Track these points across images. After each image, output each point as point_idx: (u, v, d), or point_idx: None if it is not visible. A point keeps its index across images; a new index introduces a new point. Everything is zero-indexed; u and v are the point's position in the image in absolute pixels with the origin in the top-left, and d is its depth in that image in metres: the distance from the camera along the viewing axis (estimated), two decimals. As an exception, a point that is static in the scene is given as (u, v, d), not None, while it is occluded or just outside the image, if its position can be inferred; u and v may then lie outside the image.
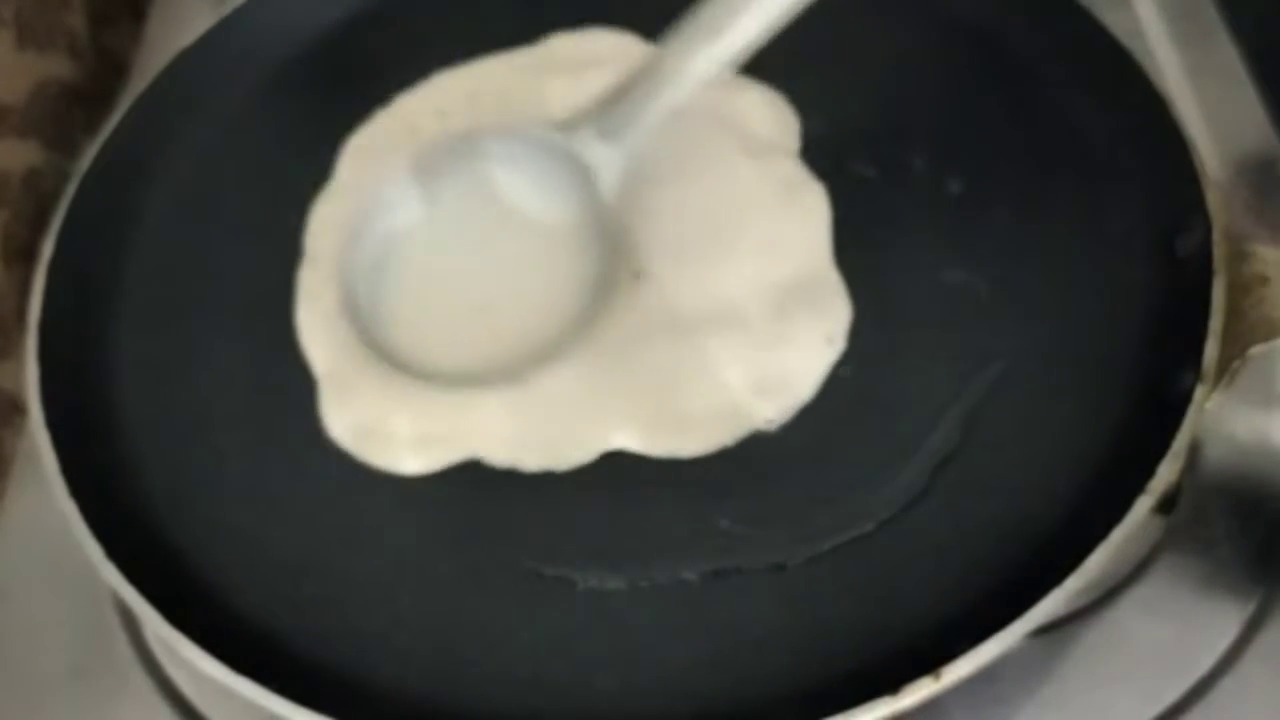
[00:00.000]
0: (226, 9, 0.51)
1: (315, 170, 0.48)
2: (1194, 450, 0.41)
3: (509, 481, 0.40)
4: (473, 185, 0.45)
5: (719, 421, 0.40)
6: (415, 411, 0.41)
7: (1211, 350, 0.36)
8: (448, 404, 0.41)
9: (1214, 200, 0.39)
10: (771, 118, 0.47)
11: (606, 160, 0.43)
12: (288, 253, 0.46)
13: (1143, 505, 0.34)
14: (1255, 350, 0.37)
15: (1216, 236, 0.39)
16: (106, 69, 0.60)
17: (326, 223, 0.46)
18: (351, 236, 0.44)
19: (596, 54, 0.50)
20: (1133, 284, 0.41)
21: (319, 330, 0.43)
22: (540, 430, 0.40)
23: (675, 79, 0.42)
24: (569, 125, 0.43)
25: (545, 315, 0.42)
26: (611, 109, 0.43)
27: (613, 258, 0.42)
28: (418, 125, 0.49)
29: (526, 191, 0.44)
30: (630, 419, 0.40)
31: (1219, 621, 0.39)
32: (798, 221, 0.44)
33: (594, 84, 0.48)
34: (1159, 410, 0.37)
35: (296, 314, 0.44)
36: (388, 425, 0.41)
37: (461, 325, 0.43)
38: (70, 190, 0.46)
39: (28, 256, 0.47)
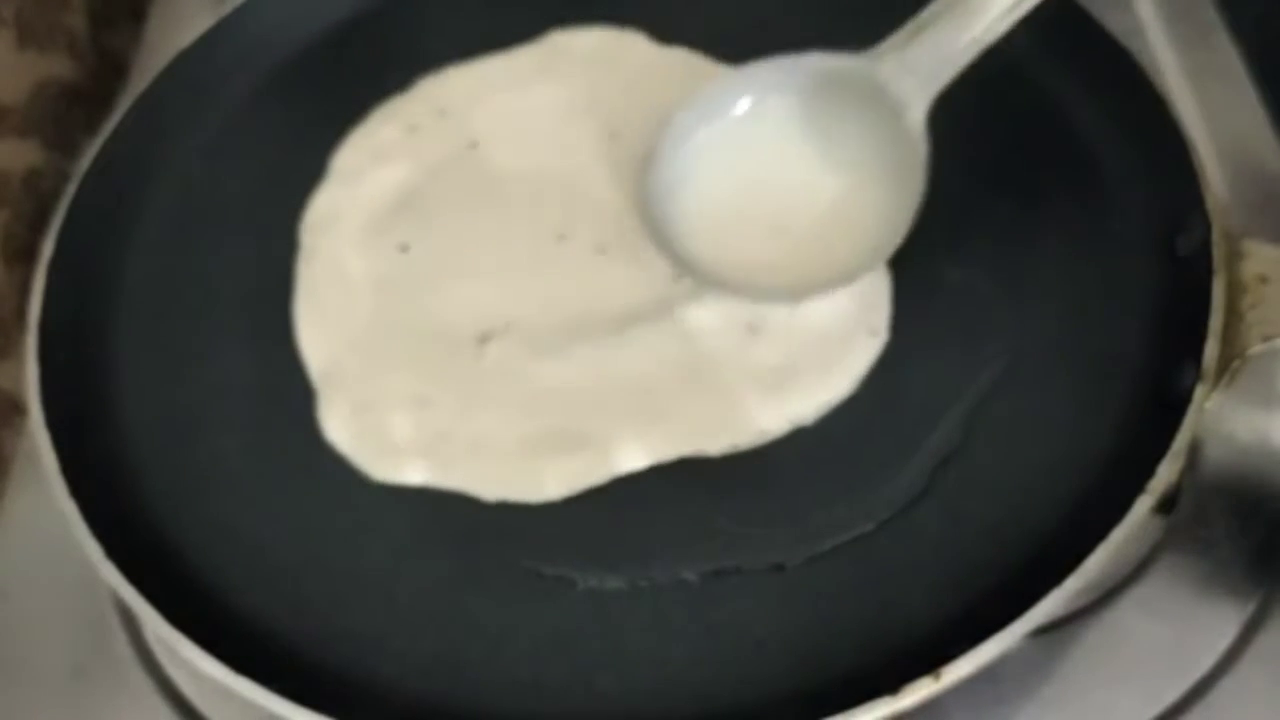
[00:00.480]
0: (226, 9, 0.51)
1: (315, 170, 0.48)
2: (1194, 450, 0.41)
3: (509, 481, 0.40)
4: (782, 109, 0.45)
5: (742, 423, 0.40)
6: (415, 425, 0.41)
7: (1211, 350, 0.36)
8: (447, 419, 0.41)
9: (1214, 200, 0.40)
10: None
11: (913, 91, 0.42)
12: (288, 252, 0.46)
13: (1143, 505, 0.34)
14: (1255, 350, 0.37)
15: (1216, 236, 0.39)
16: (106, 69, 0.60)
17: (318, 220, 0.46)
18: (651, 158, 0.44)
19: (597, 50, 0.50)
20: (1133, 284, 0.41)
21: (317, 331, 0.43)
22: (541, 450, 0.40)
23: (983, 12, 0.41)
24: (874, 57, 0.43)
25: (842, 242, 0.42)
26: (915, 42, 0.42)
27: (915, 189, 0.42)
28: (416, 124, 0.49)
29: (832, 120, 0.44)
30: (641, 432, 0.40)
31: (1219, 621, 0.39)
32: None
33: (593, 81, 0.48)
34: (1159, 410, 0.37)
35: (294, 314, 0.44)
36: (388, 436, 0.41)
37: (756, 241, 0.43)
38: (70, 190, 0.45)
39: (28, 256, 0.47)
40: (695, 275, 0.42)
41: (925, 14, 0.42)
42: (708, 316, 0.42)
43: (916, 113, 0.42)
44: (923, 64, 0.42)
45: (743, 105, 0.45)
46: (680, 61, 0.50)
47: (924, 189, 0.41)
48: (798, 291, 0.41)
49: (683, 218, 0.44)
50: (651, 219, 0.43)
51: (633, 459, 0.39)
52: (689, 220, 0.44)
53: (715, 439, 0.39)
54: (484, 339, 0.42)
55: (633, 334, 0.42)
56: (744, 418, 0.40)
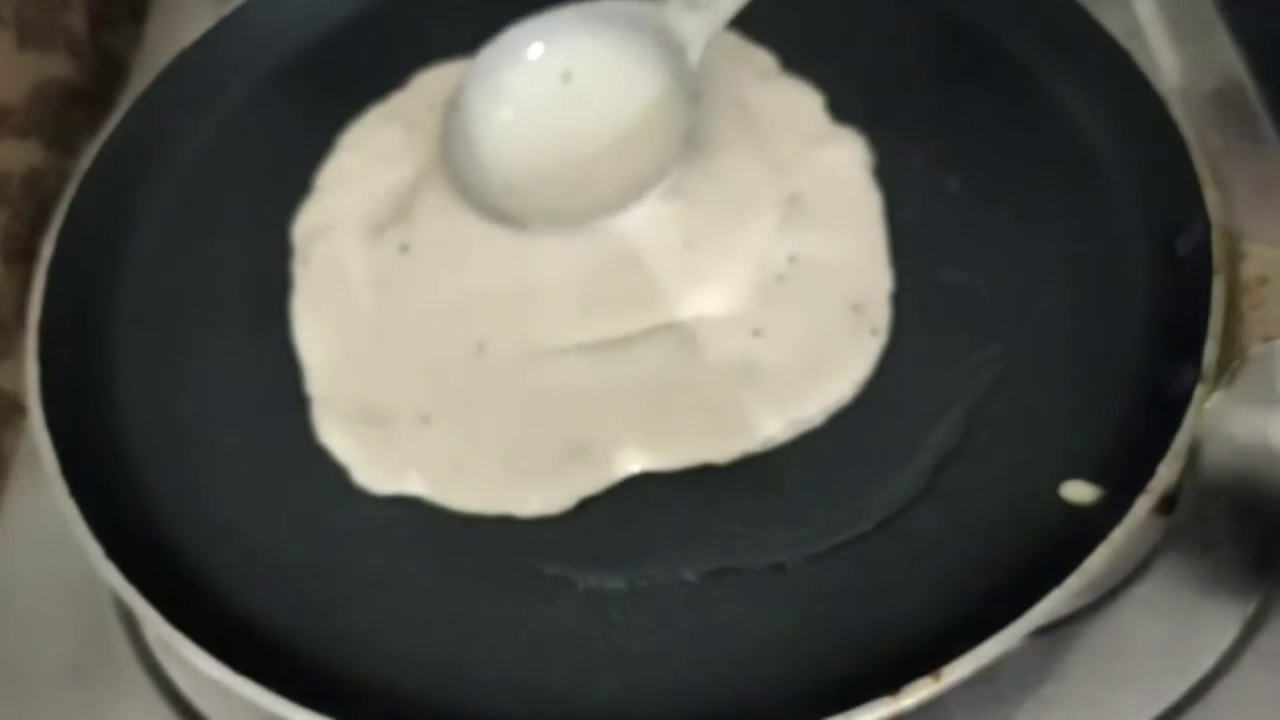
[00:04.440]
0: (226, 9, 0.51)
1: (315, 170, 0.48)
2: (1194, 450, 0.41)
3: (509, 481, 0.40)
4: (557, 59, 0.47)
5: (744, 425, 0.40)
6: (413, 437, 0.41)
7: (1211, 350, 0.36)
8: (446, 430, 0.41)
9: (1213, 200, 0.39)
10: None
11: (695, 29, 0.45)
12: (288, 252, 0.46)
13: (1143, 505, 0.34)
14: (1255, 350, 0.37)
15: (1215, 236, 0.39)
16: (106, 69, 0.60)
17: (315, 220, 0.46)
18: (452, 103, 0.47)
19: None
20: (1133, 284, 0.41)
21: (314, 336, 0.43)
22: (542, 461, 0.40)
23: None
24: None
25: (630, 170, 0.44)
26: None
27: (692, 118, 0.45)
28: (413, 120, 0.49)
29: (614, 65, 0.47)
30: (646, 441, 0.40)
31: (1219, 621, 0.39)
32: None
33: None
34: (1159, 410, 0.37)
35: (292, 314, 0.44)
36: (385, 447, 0.41)
37: (552, 181, 0.45)
38: (70, 190, 0.46)
39: (28, 256, 0.47)
40: (495, 216, 0.44)
41: None
42: (712, 320, 0.42)
43: (695, 52, 0.45)
44: (702, 2, 0.45)
45: (536, 50, 0.47)
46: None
47: (692, 120, 0.45)
48: (589, 213, 0.44)
49: (484, 161, 0.46)
50: (452, 166, 0.45)
51: (637, 469, 0.39)
52: (489, 163, 0.46)
53: (720, 447, 0.39)
54: (483, 345, 0.42)
55: (635, 339, 0.42)
56: (748, 424, 0.40)
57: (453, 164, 0.46)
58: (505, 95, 0.47)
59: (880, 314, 0.42)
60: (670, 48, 0.46)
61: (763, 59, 0.48)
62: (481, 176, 0.45)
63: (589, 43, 0.47)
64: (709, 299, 0.42)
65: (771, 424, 0.39)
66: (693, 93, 0.45)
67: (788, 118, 0.47)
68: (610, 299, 0.43)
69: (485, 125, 0.47)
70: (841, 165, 0.45)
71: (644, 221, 0.44)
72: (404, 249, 0.45)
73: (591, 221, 0.43)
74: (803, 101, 0.47)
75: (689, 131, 0.45)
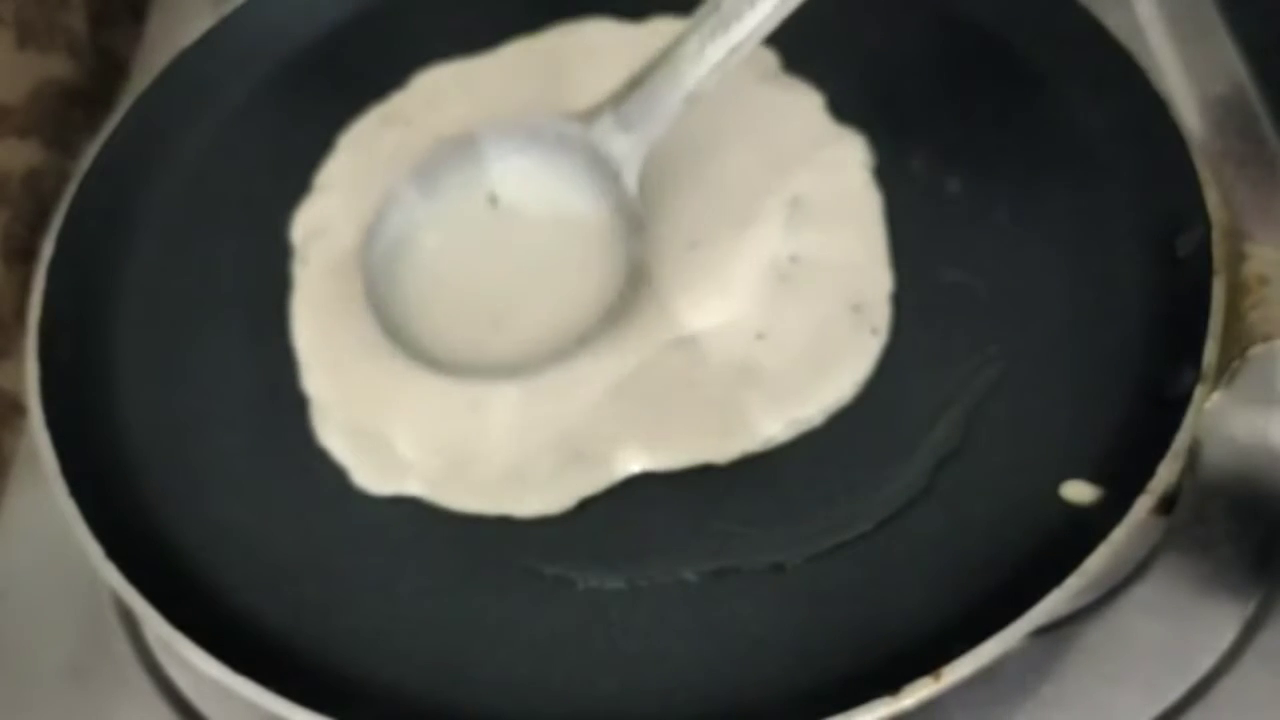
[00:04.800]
0: (226, 9, 0.51)
1: (315, 169, 0.48)
2: (1194, 450, 0.41)
3: (509, 481, 0.39)
4: (485, 180, 0.44)
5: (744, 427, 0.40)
6: (413, 440, 0.40)
7: (1211, 350, 0.36)
8: (446, 431, 0.41)
9: (1214, 200, 0.39)
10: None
11: (628, 151, 0.42)
12: (288, 252, 0.46)
13: (1143, 505, 0.34)
14: (1255, 350, 0.37)
15: (1216, 236, 0.39)
16: (106, 69, 0.60)
17: (314, 220, 0.46)
18: (367, 237, 0.43)
19: (591, 45, 0.50)
20: (1133, 284, 0.41)
21: (313, 338, 0.43)
22: (542, 462, 0.40)
23: (693, 66, 0.41)
24: (587, 117, 0.43)
25: (567, 313, 0.41)
26: (629, 98, 0.42)
27: (636, 251, 0.42)
28: (411, 119, 0.49)
29: (545, 186, 0.44)
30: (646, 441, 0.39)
31: (1219, 621, 0.39)
32: None
33: (587, 74, 0.48)
34: (1159, 410, 0.37)
35: (291, 314, 0.44)
36: (385, 450, 0.40)
37: (480, 323, 0.42)
38: (70, 190, 0.46)
39: (28, 256, 0.47)
40: (416, 358, 0.41)
41: (640, 69, 0.43)
42: (713, 321, 0.42)
43: (630, 175, 0.42)
44: (634, 120, 0.42)
45: (458, 167, 0.44)
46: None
47: (641, 254, 0.41)
48: (518, 372, 0.41)
49: (403, 298, 0.42)
50: (372, 298, 0.42)
51: (637, 469, 0.39)
52: (408, 302, 0.42)
53: (721, 448, 0.39)
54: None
55: (638, 342, 0.42)
56: (749, 424, 0.40)
57: (375, 301, 0.42)
58: (430, 220, 0.44)
59: (880, 314, 0.42)
60: (603, 171, 0.43)
61: (764, 58, 0.48)
62: (407, 312, 0.42)
63: (516, 160, 0.44)
64: (711, 300, 0.42)
65: (772, 424, 0.39)
66: (632, 221, 0.42)
67: (788, 118, 0.47)
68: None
69: (410, 253, 0.43)
70: (842, 165, 0.45)
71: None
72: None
73: (526, 372, 0.40)
74: (803, 101, 0.47)
75: (635, 267, 0.41)
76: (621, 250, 0.42)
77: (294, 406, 0.42)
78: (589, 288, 0.42)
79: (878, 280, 0.42)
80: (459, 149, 0.45)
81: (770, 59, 0.49)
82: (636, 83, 0.42)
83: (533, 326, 0.42)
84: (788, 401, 0.40)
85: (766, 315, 0.42)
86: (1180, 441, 0.35)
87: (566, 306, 0.42)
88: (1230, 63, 0.53)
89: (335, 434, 0.41)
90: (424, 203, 0.44)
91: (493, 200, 0.44)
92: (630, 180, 0.42)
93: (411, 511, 0.39)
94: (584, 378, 0.41)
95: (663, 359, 0.41)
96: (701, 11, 0.42)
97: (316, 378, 0.42)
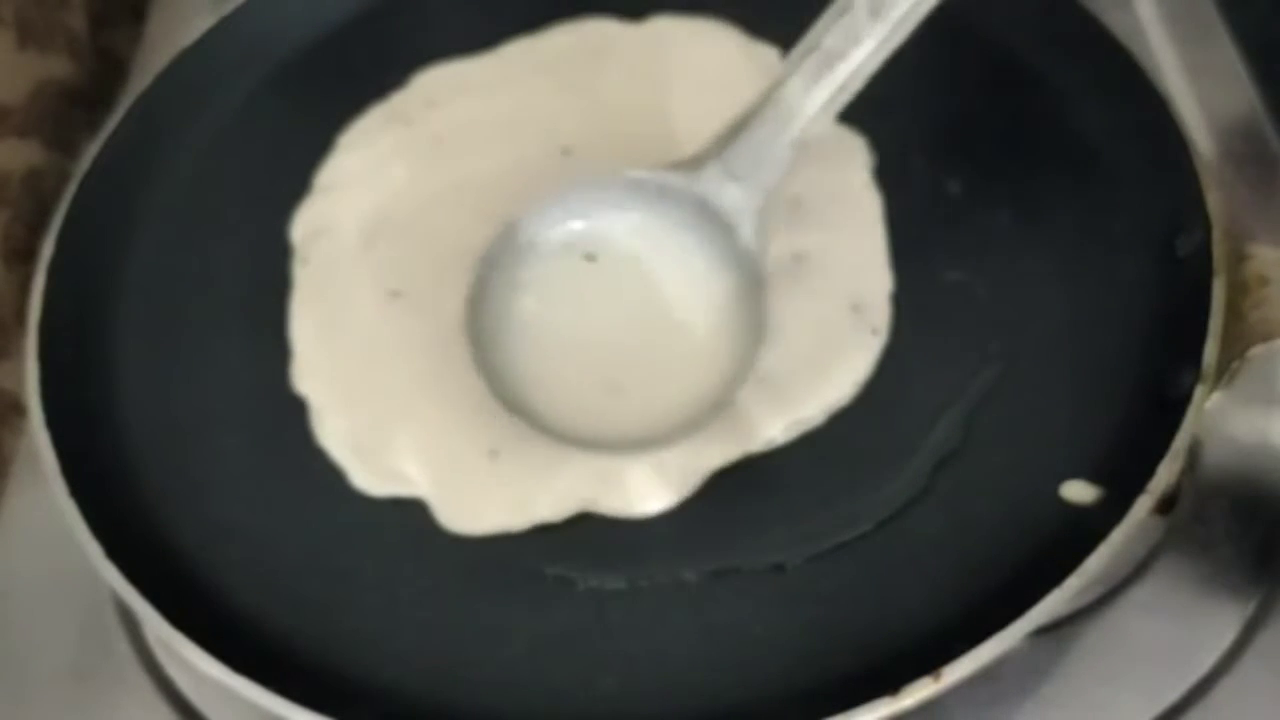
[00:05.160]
0: (226, 9, 0.51)
1: (315, 169, 0.48)
2: (1194, 450, 0.41)
3: (509, 481, 0.39)
4: (581, 238, 0.42)
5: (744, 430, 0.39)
6: (414, 450, 0.40)
7: (1211, 350, 0.36)
8: (447, 435, 0.40)
9: (1214, 200, 0.39)
10: None
11: (741, 202, 0.40)
12: (288, 252, 0.46)
13: (1143, 505, 0.34)
14: (1255, 350, 0.37)
15: (1216, 236, 0.39)
16: (106, 69, 0.60)
17: (314, 220, 0.46)
18: (468, 306, 0.41)
19: (588, 43, 0.50)
20: (1133, 284, 0.41)
21: (312, 340, 0.43)
22: (546, 468, 0.39)
23: (798, 110, 0.40)
24: (691, 167, 0.41)
25: (690, 374, 0.39)
26: (734, 146, 0.40)
27: (758, 306, 0.39)
28: (411, 119, 0.49)
29: (647, 242, 0.42)
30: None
31: (1219, 621, 0.39)
32: None
33: (587, 74, 0.48)
34: (1159, 410, 0.37)
35: (291, 314, 0.44)
36: (385, 454, 0.40)
37: (595, 390, 0.40)
38: (70, 190, 0.45)
39: (28, 256, 0.47)
40: (538, 429, 0.39)
41: (738, 116, 0.41)
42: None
43: (747, 227, 0.40)
44: (742, 169, 0.40)
45: (566, 233, 0.42)
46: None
47: (764, 315, 0.39)
48: (634, 444, 0.39)
49: (510, 363, 0.40)
50: (480, 360, 0.40)
51: (641, 480, 0.39)
52: (516, 366, 0.40)
53: (724, 453, 0.39)
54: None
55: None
56: (751, 428, 0.39)
57: (487, 373, 0.40)
58: (526, 283, 0.41)
59: (880, 314, 0.42)
60: (713, 223, 0.40)
61: (764, 56, 0.48)
62: (518, 381, 0.40)
63: (614, 216, 0.41)
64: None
65: (773, 425, 0.39)
66: (752, 275, 0.39)
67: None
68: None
69: (509, 319, 0.41)
70: (842, 166, 0.45)
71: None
72: (401, 251, 0.45)
73: (654, 445, 0.38)
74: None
75: (759, 322, 0.39)
76: (742, 307, 0.40)
77: (294, 407, 0.42)
78: (709, 347, 0.40)
79: (878, 280, 0.42)
80: (550, 207, 0.42)
81: (773, 55, 0.49)
82: (739, 128, 0.40)
83: (652, 389, 0.40)
84: (789, 403, 0.40)
85: (768, 316, 0.42)
86: (1180, 441, 0.35)
87: (688, 367, 0.40)
88: (1230, 63, 0.53)
89: (334, 435, 0.41)
90: (518, 265, 0.42)
91: (590, 258, 0.42)
92: (748, 232, 0.40)
93: (412, 512, 0.39)
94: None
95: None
96: (799, 51, 0.40)
97: (315, 379, 0.42)
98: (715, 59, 0.49)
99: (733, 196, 0.40)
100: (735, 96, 0.44)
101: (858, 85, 0.40)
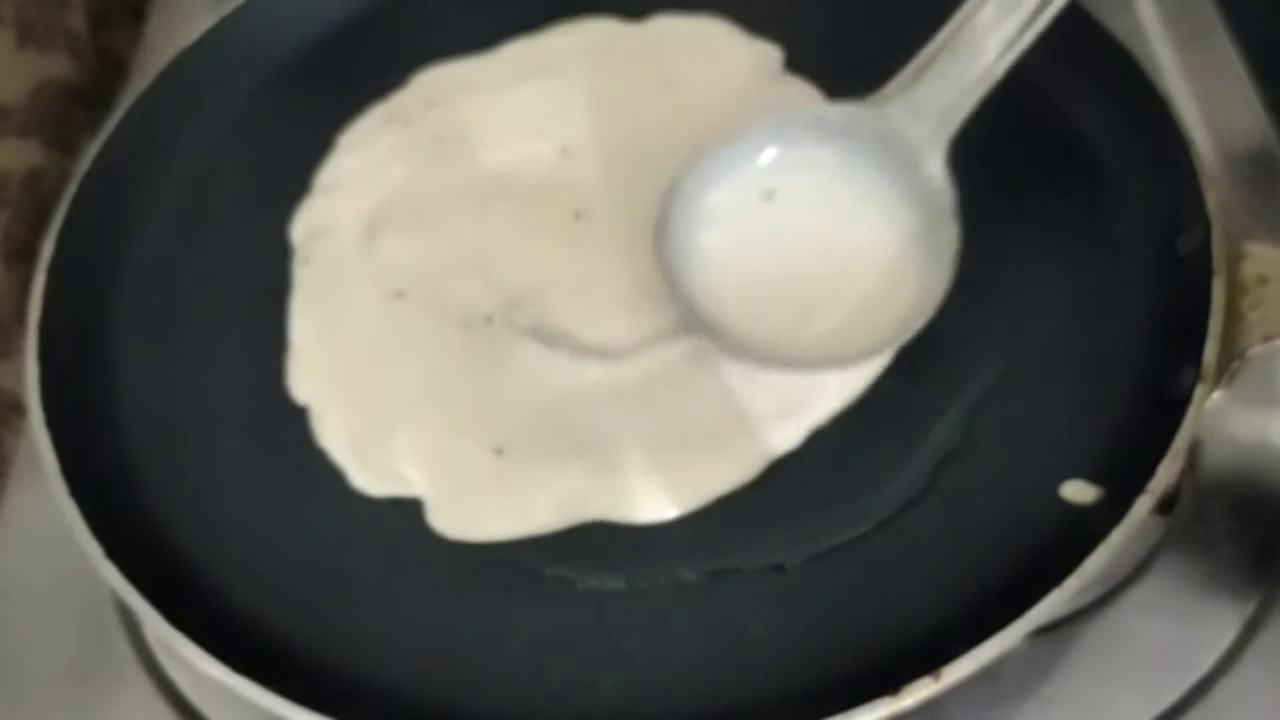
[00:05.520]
0: (226, 9, 0.51)
1: (315, 170, 0.48)
2: (1194, 450, 0.41)
3: (509, 481, 0.39)
4: (760, 175, 0.43)
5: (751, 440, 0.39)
6: (414, 456, 0.40)
7: (1211, 350, 0.36)
8: (448, 442, 0.40)
9: (1214, 200, 0.39)
10: None
11: (927, 136, 0.41)
12: (288, 252, 0.46)
13: (1143, 505, 0.34)
14: (1255, 350, 0.37)
15: (1216, 236, 0.39)
16: (106, 69, 0.60)
17: (314, 220, 0.46)
18: (657, 231, 0.42)
19: (588, 43, 0.50)
20: (1133, 284, 0.41)
21: (311, 342, 0.43)
22: (548, 479, 0.39)
23: (982, 45, 0.40)
24: (877, 103, 0.41)
25: (878, 301, 0.40)
26: (920, 83, 0.41)
27: (948, 237, 0.40)
28: (411, 119, 0.49)
29: (828, 177, 0.42)
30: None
31: (1219, 621, 0.39)
32: None
33: (587, 74, 0.48)
34: (1159, 410, 0.37)
35: (291, 314, 0.44)
36: (385, 457, 0.40)
37: (787, 317, 0.41)
38: (70, 190, 0.45)
39: (28, 256, 0.47)
40: (718, 343, 0.40)
41: (925, 52, 0.41)
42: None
43: (934, 161, 0.41)
44: (931, 105, 0.40)
45: (748, 168, 0.43)
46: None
47: (956, 245, 0.40)
48: (825, 363, 0.40)
49: (703, 285, 0.41)
50: (672, 283, 0.41)
51: (644, 490, 0.39)
52: (709, 288, 0.41)
53: (736, 478, 0.39)
54: (490, 354, 0.42)
55: (644, 350, 0.41)
56: (762, 446, 0.39)
57: (677, 292, 0.41)
58: (706, 219, 0.42)
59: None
60: (895, 159, 0.41)
61: (766, 55, 0.48)
62: (701, 306, 0.41)
63: (797, 151, 0.42)
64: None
65: (788, 438, 0.39)
66: (939, 209, 0.40)
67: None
68: (623, 302, 0.42)
69: (690, 254, 0.42)
70: None
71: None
72: (400, 251, 0.45)
73: (848, 361, 0.39)
74: (802, 100, 0.47)
75: (950, 253, 0.39)
76: (928, 241, 0.40)
77: (294, 407, 0.42)
78: (894, 280, 0.40)
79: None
80: (733, 144, 0.43)
81: (774, 57, 0.49)
82: (927, 63, 0.41)
83: (839, 319, 0.40)
84: (801, 415, 0.39)
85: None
86: (1180, 441, 0.35)
87: (877, 295, 0.40)
88: (1230, 63, 0.53)
89: (334, 435, 0.41)
90: (700, 198, 0.43)
91: (768, 196, 0.42)
92: (935, 167, 0.40)
93: (412, 512, 0.39)
94: (593, 396, 0.40)
95: (674, 374, 0.41)
96: None
97: (316, 379, 0.42)
98: (715, 58, 0.49)
99: (919, 132, 0.41)
100: (732, 93, 0.44)
101: (1043, 23, 0.40)
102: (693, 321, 0.41)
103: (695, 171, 0.43)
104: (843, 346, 0.40)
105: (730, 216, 0.43)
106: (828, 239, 0.42)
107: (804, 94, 0.47)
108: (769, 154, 0.43)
